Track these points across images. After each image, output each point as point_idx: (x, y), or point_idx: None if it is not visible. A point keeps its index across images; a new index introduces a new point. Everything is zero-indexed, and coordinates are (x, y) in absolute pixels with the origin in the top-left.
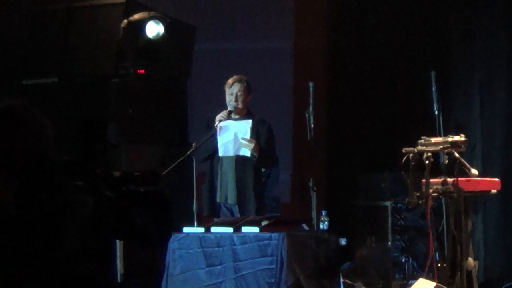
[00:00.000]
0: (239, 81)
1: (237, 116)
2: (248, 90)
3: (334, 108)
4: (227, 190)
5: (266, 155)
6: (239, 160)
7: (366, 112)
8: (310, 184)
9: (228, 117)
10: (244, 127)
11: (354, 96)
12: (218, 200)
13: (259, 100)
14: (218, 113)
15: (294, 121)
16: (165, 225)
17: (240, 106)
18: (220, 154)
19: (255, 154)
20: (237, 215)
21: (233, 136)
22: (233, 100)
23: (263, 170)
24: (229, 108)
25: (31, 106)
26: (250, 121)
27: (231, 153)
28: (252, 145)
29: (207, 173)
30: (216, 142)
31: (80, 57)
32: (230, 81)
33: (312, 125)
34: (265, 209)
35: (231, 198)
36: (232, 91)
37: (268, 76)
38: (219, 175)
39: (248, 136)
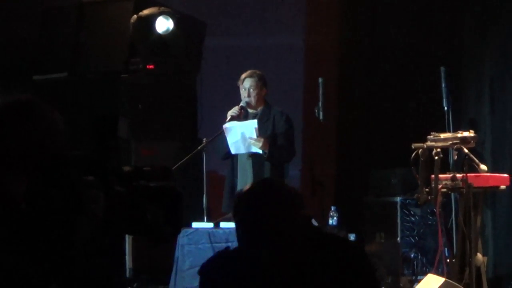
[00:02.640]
0: (250, 76)
1: (253, 111)
2: (261, 84)
3: (345, 104)
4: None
5: (277, 149)
6: (257, 156)
7: (376, 107)
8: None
9: (241, 112)
10: (250, 127)
11: (365, 92)
12: None
13: (269, 96)
14: (229, 108)
15: (304, 117)
16: (176, 220)
17: (253, 101)
18: (233, 152)
19: (265, 150)
20: None
21: (240, 135)
22: (246, 95)
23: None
24: (241, 104)
25: (41, 100)
26: (255, 121)
27: (242, 150)
28: (260, 143)
29: (228, 170)
30: (227, 142)
31: (91, 53)
32: (242, 76)
33: (321, 121)
34: None
35: None
36: (245, 86)
37: (279, 72)
38: (239, 172)
39: (254, 136)
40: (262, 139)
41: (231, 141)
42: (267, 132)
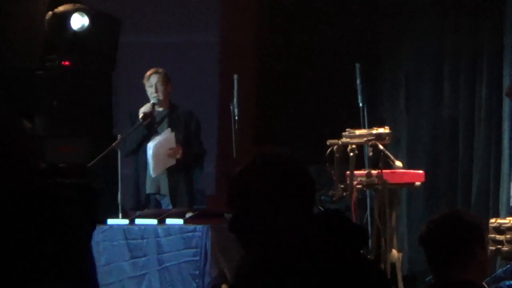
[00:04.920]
0: (156, 72)
1: (161, 109)
2: (167, 81)
3: (262, 101)
4: (159, 181)
5: (192, 156)
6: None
7: (292, 104)
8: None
9: (153, 109)
10: (170, 138)
11: (281, 88)
12: (148, 191)
13: (184, 93)
14: (142, 106)
15: (220, 115)
16: (91, 217)
17: (161, 97)
18: (154, 174)
19: (181, 159)
20: (168, 206)
21: (160, 152)
22: (154, 91)
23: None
24: (153, 101)
25: None
26: (169, 129)
27: (161, 168)
28: (179, 154)
29: (133, 169)
30: (142, 138)
31: (6, 50)
32: (147, 73)
33: (236, 118)
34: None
35: (164, 189)
36: (151, 82)
37: (194, 69)
38: (148, 166)
39: (174, 145)
40: (180, 148)
41: (154, 160)
42: (179, 133)
